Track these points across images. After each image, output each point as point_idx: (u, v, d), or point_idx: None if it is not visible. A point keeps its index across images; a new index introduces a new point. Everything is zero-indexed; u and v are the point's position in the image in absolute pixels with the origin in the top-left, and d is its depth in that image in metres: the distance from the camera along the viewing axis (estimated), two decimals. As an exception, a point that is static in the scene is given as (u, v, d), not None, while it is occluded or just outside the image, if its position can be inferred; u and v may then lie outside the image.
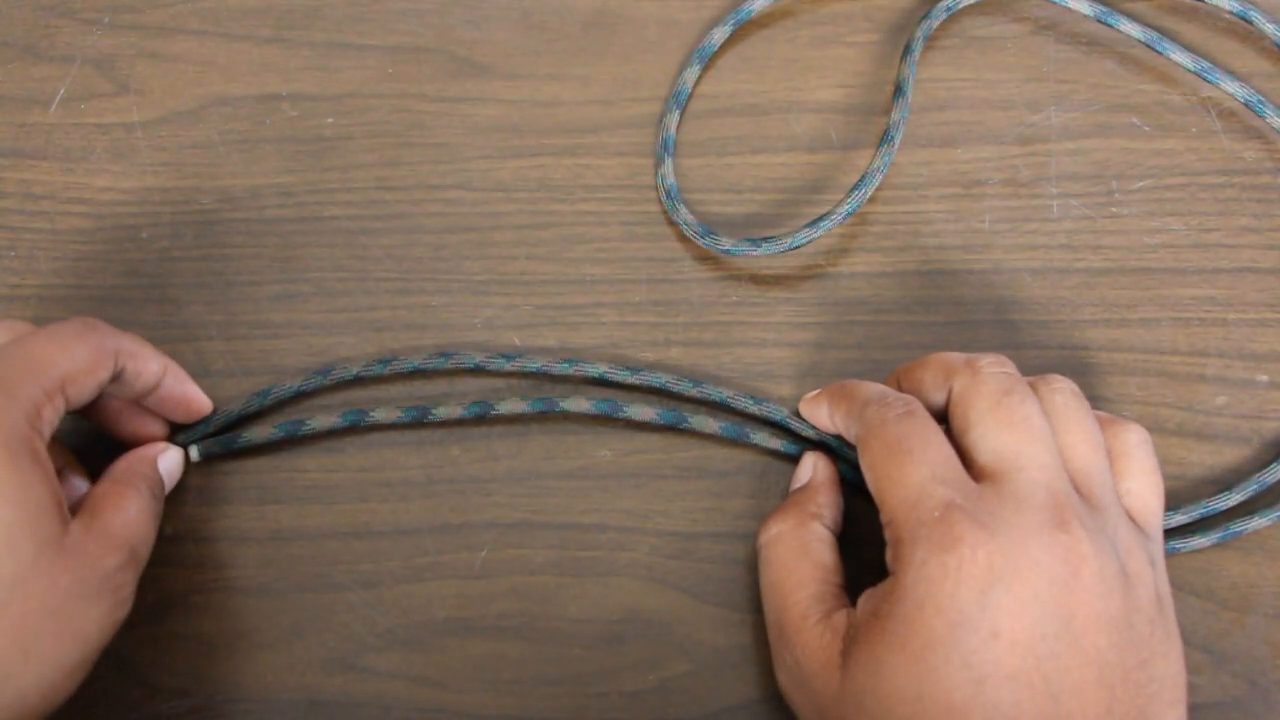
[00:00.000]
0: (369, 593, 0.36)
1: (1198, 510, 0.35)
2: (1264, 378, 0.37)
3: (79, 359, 0.31)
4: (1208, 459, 0.36)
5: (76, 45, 0.41)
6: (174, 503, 0.36)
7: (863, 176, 0.37)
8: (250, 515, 0.36)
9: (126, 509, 0.32)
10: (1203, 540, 0.35)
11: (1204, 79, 0.39)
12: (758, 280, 0.38)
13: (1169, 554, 0.35)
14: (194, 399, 0.36)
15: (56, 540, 0.29)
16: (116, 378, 0.32)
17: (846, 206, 0.37)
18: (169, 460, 0.35)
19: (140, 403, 0.35)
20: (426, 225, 0.39)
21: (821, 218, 0.37)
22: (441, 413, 0.36)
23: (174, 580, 0.36)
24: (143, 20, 0.41)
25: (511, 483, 0.37)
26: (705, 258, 0.38)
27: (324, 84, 0.40)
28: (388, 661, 0.35)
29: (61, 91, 0.40)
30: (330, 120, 0.40)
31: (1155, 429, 0.36)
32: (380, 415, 0.36)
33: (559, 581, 0.36)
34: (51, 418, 0.30)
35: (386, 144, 0.40)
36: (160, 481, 0.34)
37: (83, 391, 0.31)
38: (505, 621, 0.36)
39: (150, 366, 0.34)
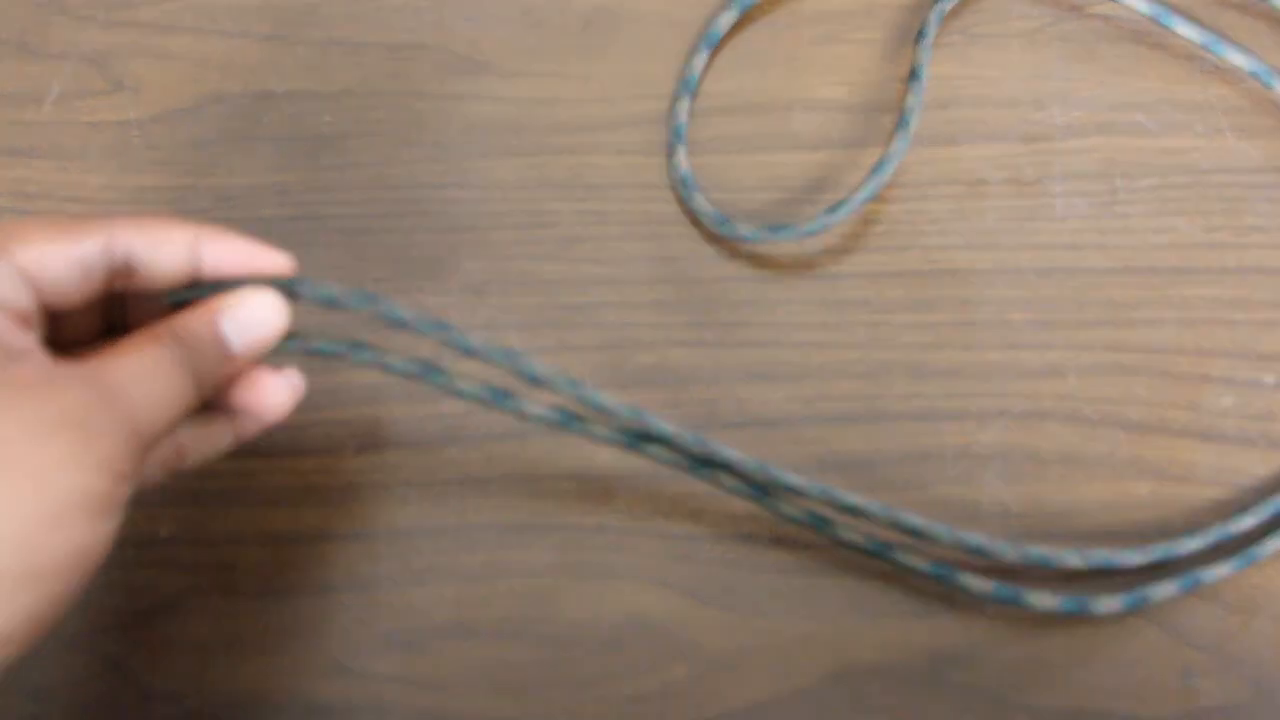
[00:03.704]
0: (366, 595, 0.36)
1: (1214, 534, 0.35)
2: (1271, 378, 0.37)
3: (34, 230, 0.27)
4: (1214, 460, 0.36)
5: (71, 42, 0.41)
6: (170, 504, 0.36)
7: (881, 161, 0.37)
8: (248, 517, 0.36)
9: (124, 355, 0.27)
10: (1225, 569, 0.34)
11: (1209, 51, 0.39)
12: (758, 280, 0.38)
13: (1195, 588, 0.34)
14: (262, 259, 0.30)
15: None
16: (126, 269, 0.29)
17: (864, 192, 0.37)
18: (245, 310, 0.29)
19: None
20: (426, 225, 0.39)
21: (839, 204, 0.37)
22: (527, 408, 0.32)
23: (170, 583, 0.36)
24: (138, 17, 0.41)
25: (511, 483, 0.36)
26: (705, 257, 0.38)
27: (321, 82, 0.40)
28: (386, 664, 0.35)
29: (56, 89, 0.40)
30: (328, 118, 0.40)
31: (1161, 430, 0.36)
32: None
33: (559, 584, 0.36)
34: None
35: (385, 142, 0.39)
36: (214, 339, 0.29)
37: (52, 268, 0.27)
38: (505, 624, 0.35)
39: (170, 236, 0.29)
